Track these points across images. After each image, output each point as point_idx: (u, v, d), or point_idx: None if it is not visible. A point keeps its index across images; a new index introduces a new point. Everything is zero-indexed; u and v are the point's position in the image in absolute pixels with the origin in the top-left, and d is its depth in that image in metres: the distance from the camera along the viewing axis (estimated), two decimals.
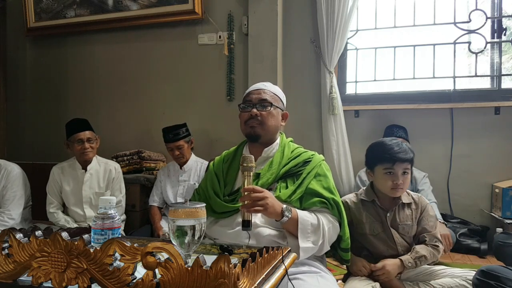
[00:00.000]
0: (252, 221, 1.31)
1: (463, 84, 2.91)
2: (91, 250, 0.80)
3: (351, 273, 1.68)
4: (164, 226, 2.63)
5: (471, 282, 1.52)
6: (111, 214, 1.03)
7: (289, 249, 1.14)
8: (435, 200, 2.51)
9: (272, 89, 1.62)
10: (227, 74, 3.18)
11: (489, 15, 2.82)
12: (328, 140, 2.91)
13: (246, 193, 1.29)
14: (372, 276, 1.60)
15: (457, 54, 2.89)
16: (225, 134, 3.11)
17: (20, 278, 0.87)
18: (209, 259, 0.76)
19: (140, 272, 0.78)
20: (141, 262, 0.76)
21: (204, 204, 1.00)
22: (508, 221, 2.45)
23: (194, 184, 2.65)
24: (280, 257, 1.02)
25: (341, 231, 1.49)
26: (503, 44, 2.84)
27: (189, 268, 0.74)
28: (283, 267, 0.99)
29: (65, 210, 2.62)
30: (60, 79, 3.67)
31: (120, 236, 0.99)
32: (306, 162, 1.54)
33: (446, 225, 2.39)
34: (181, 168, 2.75)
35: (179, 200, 2.63)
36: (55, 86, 3.68)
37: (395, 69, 3.01)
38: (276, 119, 1.58)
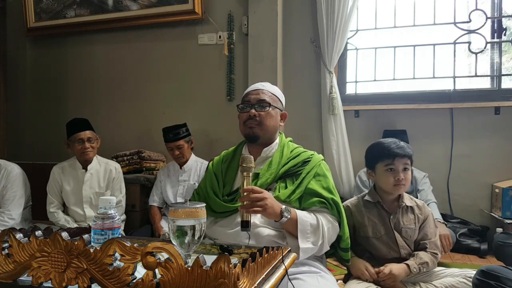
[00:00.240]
0: (252, 221, 1.31)
1: (463, 84, 2.91)
2: (91, 250, 0.80)
3: (351, 274, 1.68)
4: (164, 226, 2.63)
5: (470, 280, 1.52)
6: (111, 214, 1.03)
7: (289, 249, 1.14)
8: (435, 200, 2.51)
9: (270, 89, 1.62)
10: (227, 74, 3.18)
11: (489, 15, 2.82)
12: (328, 140, 2.91)
13: (245, 194, 1.29)
14: (376, 280, 1.60)
15: (457, 54, 2.89)
16: (225, 134, 3.10)
17: (20, 278, 0.87)
18: (209, 259, 0.76)
19: (140, 272, 0.78)
20: (141, 262, 0.76)
21: (204, 204, 1.00)
22: (508, 221, 2.44)
23: (194, 184, 2.65)
24: (280, 257, 1.02)
25: (340, 231, 1.49)
26: (503, 44, 2.84)
27: (189, 268, 0.74)
28: (283, 267, 0.99)
29: (65, 209, 2.62)
30: (60, 79, 3.67)
31: (120, 236, 0.99)
32: (306, 162, 1.54)
33: (446, 225, 2.39)
34: (181, 168, 2.75)
35: (179, 200, 2.63)
36: (55, 86, 3.68)
37: (395, 69, 3.01)
38: (275, 119, 1.58)
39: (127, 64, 3.47)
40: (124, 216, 2.67)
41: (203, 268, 0.73)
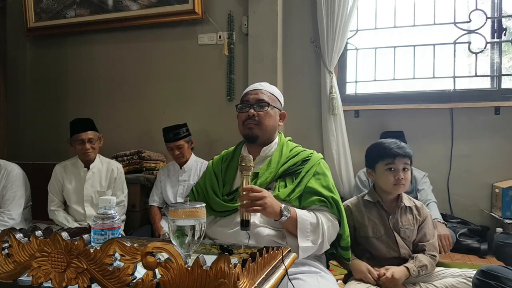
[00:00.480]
0: (251, 221, 1.31)
1: (463, 84, 2.91)
2: (91, 250, 0.80)
3: (351, 274, 1.68)
4: (164, 226, 2.63)
5: (470, 280, 1.52)
6: (111, 214, 1.03)
7: (289, 249, 1.14)
8: (435, 200, 2.50)
9: (269, 89, 1.62)
10: (227, 74, 3.18)
11: (489, 15, 2.82)
12: (328, 140, 2.91)
13: (244, 193, 1.29)
14: (377, 282, 1.60)
15: (457, 54, 2.89)
16: (225, 134, 3.10)
17: (20, 278, 0.87)
18: (209, 259, 0.76)
19: (140, 272, 0.78)
20: (141, 262, 0.76)
21: (204, 204, 1.00)
22: (508, 221, 2.44)
23: (194, 184, 2.65)
24: (280, 257, 1.02)
25: (340, 230, 1.49)
26: (503, 44, 2.84)
27: (189, 268, 0.74)
28: (283, 267, 0.99)
29: (65, 208, 2.62)
30: (60, 79, 3.67)
31: (120, 236, 0.99)
32: (305, 160, 1.54)
33: (446, 225, 2.39)
34: (181, 168, 2.75)
35: (179, 200, 2.63)
36: (55, 86, 3.67)
37: (395, 69, 3.01)
38: (274, 119, 1.58)
39: (127, 64, 3.47)
40: (124, 216, 2.67)
41: (203, 268, 0.73)
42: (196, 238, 0.96)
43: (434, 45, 2.92)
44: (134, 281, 0.77)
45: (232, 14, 3.15)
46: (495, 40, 2.83)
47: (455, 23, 2.87)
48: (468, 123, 2.80)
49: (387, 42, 3.05)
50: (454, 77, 2.88)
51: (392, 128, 2.83)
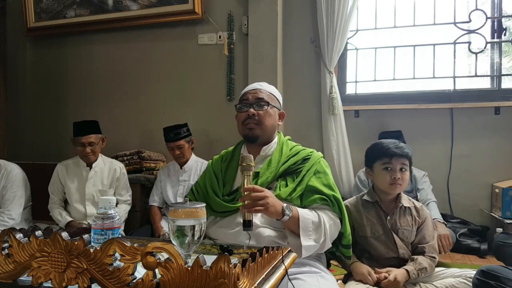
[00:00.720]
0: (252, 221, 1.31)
1: (463, 84, 2.91)
2: (91, 250, 0.80)
3: (351, 274, 1.68)
4: (164, 226, 2.63)
5: (470, 280, 1.52)
6: (111, 214, 1.03)
7: (289, 249, 1.14)
8: (435, 200, 2.50)
9: (268, 89, 1.62)
10: (227, 74, 3.18)
11: (489, 15, 2.82)
12: (328, 140, 2.91)
13: (246, 193, 1.28)
14: (378, 284, 1.60)
15: (457, 54, 2.89)
16: (225, 134, 3.10)
17: (20, 278, 0.87)
18: (209, 259, 0.76)
19: (140, 272, 0.78)
20: (141, 262, 0.76)
21: (204, 204, 1.00)
22: (508, 221, 2.44)
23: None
24: (280, 257, 1.01)
25: (342, 228, 1.49)
26: (503, 44, 2.84)
27: (189, 268, 0.74)
28: (283, 267, 0.99)
29: (66, 207, 2.64)
30: (60, 79, 3.67)
31: (120, 236, 0.99)
32: (305, 159, 1.54)
33: (446, 225, 2.39)
34: (181, 168, 2.75)
35: (179, 200, 2.63)
36: (55, 86, 3.68)
37: (395, 69, 3.01)
38: (274, 118, 1.58)
39: (127, 64, 3.47)
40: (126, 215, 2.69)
41: (203, 268, 0.73)
42: (196, 238, 0.96)
43: (434, 45, 2.92)
44: (134, 281, 0.77)
45: (232, 14, 3.15)
46: (495, 40, 2.83)
47: (455, 23, 2.87)
48: (468, 123, 2.80)
49: (387, 42, 3.05)
50: (454, 77, 2.88)
51: (392, 128, 2.83)
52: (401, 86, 3.03)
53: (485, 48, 2.83)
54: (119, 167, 2.68)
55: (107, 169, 2.63)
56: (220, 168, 1.62)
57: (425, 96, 2.90)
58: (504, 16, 2.83)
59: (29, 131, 3.75)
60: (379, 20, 3.05)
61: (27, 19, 3.60)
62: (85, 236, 0.83)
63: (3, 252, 0.87)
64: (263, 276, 0.88)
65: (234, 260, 0.82)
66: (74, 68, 3.63)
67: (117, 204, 2.64)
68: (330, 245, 1.46)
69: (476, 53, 2.84)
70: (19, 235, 0.87)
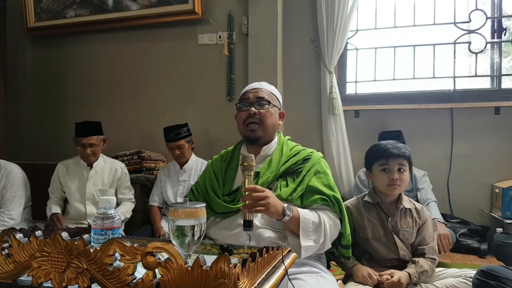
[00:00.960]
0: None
1: (463, 84, 2.91)
2: (91, 250, 0.80)
3: (351, 275, 1.68)
4: (165, 226, 2.63)
5: (471, 280, 1.52)
6: (111, 214, 1.03)
7: (289, 249, 1.14)
8: (435, 199, 2.50)
9: (268, 88, 1.62)
10: (227, 74, 3.18)
11: (489, 15, 2.82)
12: (328, 140, 2.91)
13: (247, 193, 1.28)
14: (379, 285, 1.60)
15: (457, 54, 2.89)
16: (225, 134, 3.10)
17: (20, 278, 0.87)
18: (209, 259, 0.76)
19: (140, 272, 0.78)
20: (141, 262, 0.76)
21: (204, 204, 1.00)
22: (508, 221, 2.44)
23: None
24: (280, 257, 1.01)
25: (342, 228, 1.49)
26: (503, 44, 2.84)
27: (189, 268, 0.74)
28: (283, 267, 0.99)
29: (66, 206, 2.64)
30: (60, 79, 3.67)
31: (120, 236, 0.99)
32: (306, 159, 1.53)
33: (446, 225, 2.39)
34: (181, 168, 2.75)
35: (179, 200, 2.63)
36: (55, 86, 3.68)
37: (395, 69, 3.01)
38: (274, 117, 1.58)
39: (127, 64, 3.47)
40: (130, 213, 2.69)
41: (203, 268, 0.73)
42: (196, 238, 0.96)
43: (434, 45, 2.92)
44: (134, 281, 0.77)
45: (232, 14, 3.15)
46: (495, 40, 2.83)
47: (455, 23, 2.87)
48: (468, 123, 2.80)
49: (387, 42, 3.05)
50: (454, 77, 2.88)
51: (392, 128, 2.83)
52: (401, 86, 3.03)
53: (485, 48, 2.83)
54: (120, 167, 2.69)
55: (108, 169, 2.64)
56: (220, 167, 1.61)
57: (425, 96, 2.90)
58: (504, 16, 2.83)
59: (29, 131, 3.75)
60: (379, 20, 3.05)
61: (27, 19, 3.60)
62: (85, 236, 0.83)
63: (3, 252, 0.87)
64: (263, 276, 0.88)
65: (234, 260, 0.82)
66: (74, 68, 3.63)
67: (119, 203, 2.64)
68: (330, 246, 1.46)
69: (476, 53, 2.84)
70: (19, 235, 0.87)
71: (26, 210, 2.52)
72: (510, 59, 2.97)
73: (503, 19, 2.83)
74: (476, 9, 2.84)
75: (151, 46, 3.40)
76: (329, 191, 1.47)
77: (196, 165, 2.76)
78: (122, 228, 2.61)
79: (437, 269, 1.68)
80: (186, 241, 0.95)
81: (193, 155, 2.80)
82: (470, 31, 2.86)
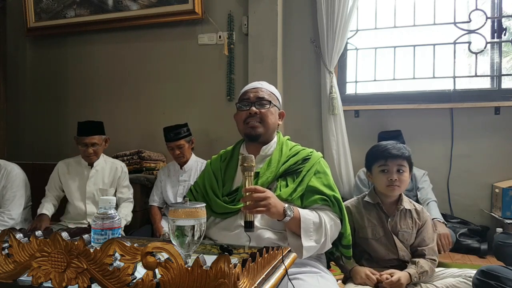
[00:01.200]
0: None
1: (463, 84, 2.91)
2: (91, 250, 0.80)
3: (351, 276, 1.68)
4: (165, 226, 2.63)
5: (471, 280, 1.52)
6: (111, 214, 1.03)
7: (289, 249, 1.14)
8: (435, 199, 2.50)
9: (268, 88, 1.62)
10: (227, 74, 3.18)
11: (489, 15, 2.82)
12: (328, 140, 2.91)
13: (247, 194, 1.28)
14: (378, 285, 1.59)
15: (457, 54, 2.89)
16: (225, 134, 3.10)
17: (20, 278, 0.87)
18: (209, 259, 0.76)
19: (140, 272, 0.78)
20: (141, 262, 0.76)
21: (204, 204, 1.00)
22: (508, 221, 2.44)
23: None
24: (280, 257, 1.01)
25: (342, 228, 1.48)
26: (503, 44, 2.84)
27: (189, 268, 0.74)
28: (283, 267, 0.99)
29: (66, 206, 2.64)
30: (60, 79, 3.67)
31: (120, 236, 0.99)
32: (305, 159, 1.53)
33: (446, 224, 2.39)
34: (181, 168, 2.75)
35: (179, 200, 2.63)
36: (55, 86, 3.67)
37: (395, 69, 3.01)
38: (275, 117, 1.57)
39: (127, 64, 3.47)
40: (131, 215, 2.68)
41: (203, 268, 0.73)
42: (196, 238, 0.96)
43: (434, 45, 2.92)
44: (134, 281, 0.77)
45: (232, 14, 3.15)
46: (495, 40, 2.83)
47: (455, 23, 2.87)
48: (468, 123, 2.80)
49: (387, 42, 3.05)
50: (454, 77, 2.88)
51: (392, 128, 2.83)
52: (401, 86, 3.03)
53: (485, 48, 2.83)
54: (121, 166, 2.70)
55: (108, 168, 2.65)
56: (219, 167, 1.61)
57: (425, 96, 2.90)
58: (504, 16, 2.83)
59: (29, 131, 3.75)
60: (379, 20, 3.05)
61: (27, 19, 3.60)
62: (85, 236, 0.83)
63: (3, 252, 0.87)
64: (263, 276, 0.88)
65: (234, 260, 0.82)
66: (74, 68, 3.63)
67: (118, 203, 2.64)
68: (331, 246, 1.45)
69: (476, 53, 2.84)
70: (19, 235, 0.87)
71: (26, 210, 2.52)
72: (510, 58, 2.96)
73: (503, 19, 2.83)
74: (476, 9, 2.84)
75: (151, 46, 3.40)
76: (329, 191, 1.47)
77: (196, 165, 2.76)
78: (122, 228, 2.61)
79: (437, 269, 1.68)
80: (186, 241, 0.95)
81: (193, 155, 2.80)
82: (470, 31, 2.86)
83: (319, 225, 1.39)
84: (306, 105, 3.09)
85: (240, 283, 0.75)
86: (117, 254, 0.79)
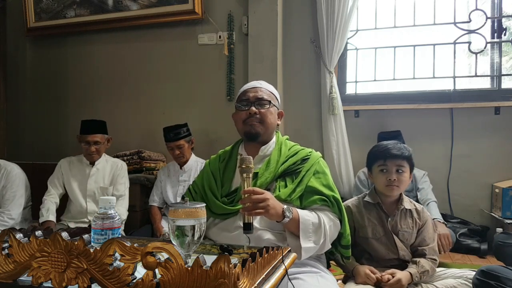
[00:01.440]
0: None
1: (463, 84, 2.91)
2: (91, 250, 0.80)
3: (353, 274, 1.68)
4: (165, 226, 2.63)
5: (471, 281, 1.52)
6: (111, 214, 1.03)
7: (289, 249, 1.14)
8: (435, 199, 2.50)
9: (267, 87, 1.60)
10: (227, 74, 3.18)
11: (489, 15, 2.82)
12: (328, 140, 2.91)
13: (246, 195, 1.27)
14: (379, 284, 1.59)
15: (457, 54, 2.89)
16: (225, 134, 3.10)
17: (20, 278, 0.87)
18: (209, 259, 0.76)
19: (140, 272, 0.78)
20: (141, 262, 0.76)
21: (204, 204, 1.00)
22: (508, 221, 2.44)
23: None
24: (280, 257, 1.01)
25: (341, 228, 1.48)
26: (503, 44, 2.84)
27: (189, 268, 0.74)
28: (283, 267, 0.99)
29: (67, 205, 2.65)
30: (60, 79, 3.67)
31: (120, 236, 0.99)
32: (304, 159, 1.52)
33: (446, 225, 2.39)
34: (181, 168, 2.75)
35: (179, 200, 2.63)
36: (55, 86, 3.68)
37: (395, 69, 3.01)
38: (274, 117, 1.56)
39: (127, 64, 3.47)
40: (126, 214, 2.69)
41: (203, 268, 0.73)
42: (196, 238, 0.96)
43: (434, 45, 2.92)
44: (134, 281, 0.77)
45: (232, 14, 3.15)
46: (495, 40, 2.83)
47: (455, 23, 2.87)
48: (468, 123, 2.80)
49: (387, 42, 3.05)
50: (454, 77, 2.88)
51: (392, 128, 2.83)
52: (401, 86, 3.03)
53: (485, 48, 2.83)
54: (121, 164, 2.73)
55: (109, 167, 2.67)
56: (218, 168, 1.60)
57: (425, 96, 2.90)
58: (504, 16, 2.83)
59: (29, 131, 3.75)
60: (379, 20, 3.06)
61: (27, 19, 3.60)
62: (85, 236, 0.83)
63: (3, 252, 0.87)
64: (263, 276, 0.88)
65: (234, 260, 0.82)
66: (74, 68, 3.63)
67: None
68: (330, 246, 1.45)
69: (476, 53, 2.85)
70: (19, 235, 0.87)
71: (26, 210, 2.53)
72: (509, 58, 2.96)
73: (503, 19, 2.83)
74: (476, 9, 2.84)
75: (151, 46, 3.40)
76: (328, 191, 1.46)
77: (196, 165, 2.76)
78: (122, 228, 2.61)
79: (438, 269, 1.68)
80: (186, 241, 0.95)
81: (193, 155, 2.80)
82: (470, 31, 2.86)
83: (318, 226, 1.38)
84: (306, 105, 3.09)
85: (240, 283, 0.75)
86: (117, 254, 0.79)
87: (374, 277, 1.57)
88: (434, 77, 2.93)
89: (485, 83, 2.92)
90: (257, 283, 0.83)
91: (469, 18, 2.85)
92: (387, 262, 1.68)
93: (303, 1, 3.08)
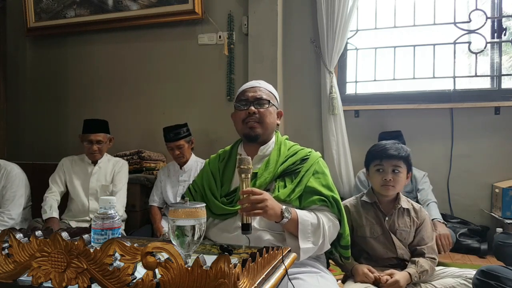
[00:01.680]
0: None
1: (463, 84, 2.92)
2: (91, 250, 0.80)
3: (352, 274, 1.68)
4: (165, 226, 2.63)
5: (471, 281, 1.52)
6: (111, 214, 1.03)
7: (289, 249, 1.14)
8: (435, 200, 2.50)
9: (267, 87, 1.60)
10: (227, 74, 3.18)
11: (489, 15, 2.82)
12: (328, 140, 2.91)
13: (245, 196, 1.26)
14: (377, 283, 1.59)
15: (457, 54, 2.89)
16: (225, 134, 3.10)
17: (20, 278, 0.87)
18: (209, 259, 0.76)
19: (140, 272, 0.78)
20: (141, 262, 0.76)
21: (204, 204, 1.00)
22: (508, 221, 2.45)
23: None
24: (280, 257, 1.01)
25: (341, 229, 1.48)
26: (503, 44, 2.84)
27: (189, 268, 0.74)
28: (283, 267, 0.99)
29: (68, 204, 2.66)
30: (60, 79, 3.67)
31: (120, 236, 0.99)
32: (304, 159, 1.51)
33: (446, 225, 2.39)
34: (181, 168, 2.75)
35: (179, 200, 2.63)
36: (55, 86, 3.68)
37: (395, 69, 3.01)
38: (273, 117, 1.56)
39: (127, 64, 3.47)
40: (125, 216, 2.70)
41: (203, 268, 0.73)
42: (196, 238, 0.96)
43: (434, 45, 2.92)
44: (134, 281, 0.77)
45: (232, 14, 3.15)
46: (495, 40, 2.83)
47: (455, 23, 2.87)
48: (468, 123, 2.80)
49: (387, 42, 3.05)
50: (454, 77, 2.88)
51: (392, 128, 2.83)
52: (401, 86, 3.03)
53: (485, 48, 2.83)
54: (122, 162, 2.75)
55: (111, 166, 2.69)
56: (218, 167, 1.59)
57: (425, 96, 2.90)
58: (504, 16, 2.83)
59: (29, 131, 3.75)
60: (379, 20, 3.06)
61: (27, 19, 3.60)
62: (85, 236, 0.83)
63: (3, 252, 0.87)
64: (263, 276, 0.88)
65: (234, 260, 0.82)
66: (74, 68, 3.63)
67: None
68: (329, 247, 1.45)
69: (476, 53, 2.85)
70: (19, 235, 0.87)
71: (26, 210, 2.53)
72: (509, 57, 2.96)
73: (503, 19, 2.83)
74: (476, 9, 2.84)
75: (151, 46, 3.40)
76: (328, 191, 1.46)
77: (196, 165, 2.76)
78: (122, 228, 2.61)
79: (437, 268, 1.68)
80: (186, 241, 0.95)
81: (192, 155, 2.80)
82: (470, 31, 2.86)
83: (317, 227, 1.38)
84: (306, 105, 3.09)
85: (240, 283, 0.75)
86: (117, 254, 0.79)
87: (372, 276, 1.57)
88: (434, 77, 2.94)
89: (485, 83, 2.92)
90: (257, 283, 0.83)
91: (469, 18, 2.85)
92: (386, 261, 1.68)
93: (303, 1, 3.08)
